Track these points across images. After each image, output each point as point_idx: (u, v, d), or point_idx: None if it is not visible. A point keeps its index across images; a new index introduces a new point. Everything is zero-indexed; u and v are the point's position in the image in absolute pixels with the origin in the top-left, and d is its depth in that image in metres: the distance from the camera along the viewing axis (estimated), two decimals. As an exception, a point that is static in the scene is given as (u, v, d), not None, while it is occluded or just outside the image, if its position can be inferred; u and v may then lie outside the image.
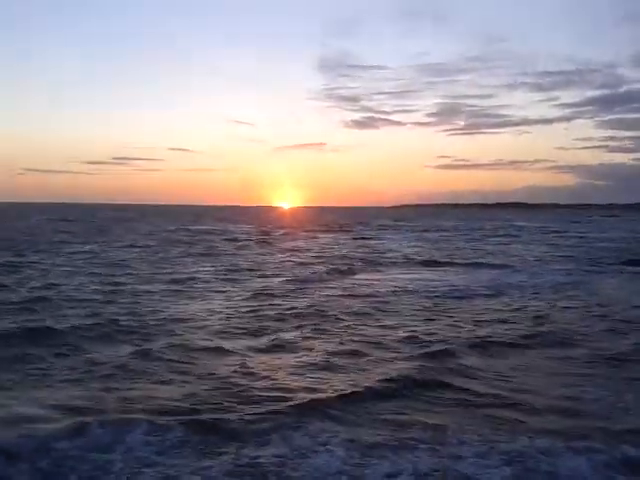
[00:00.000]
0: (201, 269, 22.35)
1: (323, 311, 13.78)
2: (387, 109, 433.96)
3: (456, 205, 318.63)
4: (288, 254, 30.26)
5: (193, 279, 19.23)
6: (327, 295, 16.47)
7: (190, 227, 60.79)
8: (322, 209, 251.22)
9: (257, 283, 18.88)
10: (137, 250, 30.39)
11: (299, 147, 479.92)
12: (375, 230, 60.22)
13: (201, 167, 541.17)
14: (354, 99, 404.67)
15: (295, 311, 13.66)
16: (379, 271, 23.03)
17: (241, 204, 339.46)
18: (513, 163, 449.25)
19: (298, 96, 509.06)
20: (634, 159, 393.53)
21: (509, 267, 24.63)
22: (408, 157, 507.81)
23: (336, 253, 31.05)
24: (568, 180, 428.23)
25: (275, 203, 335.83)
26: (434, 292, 17.29)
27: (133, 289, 16.70)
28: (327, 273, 21.58)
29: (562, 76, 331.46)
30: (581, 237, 47.94)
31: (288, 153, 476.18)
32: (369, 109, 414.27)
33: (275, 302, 15.06)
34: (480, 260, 27.64)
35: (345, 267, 23.40)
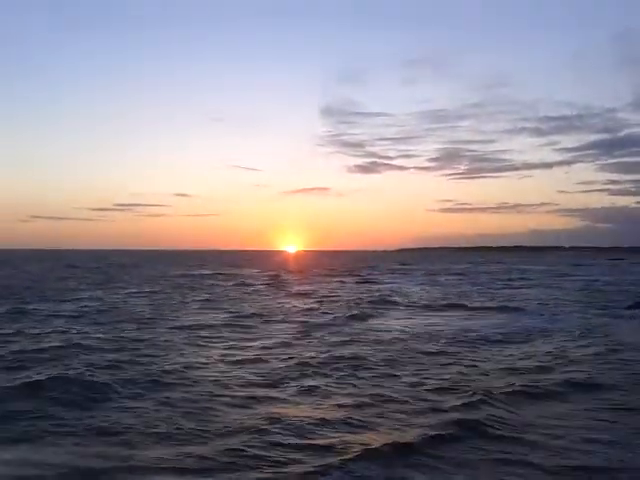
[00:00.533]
0: (211, 315, 21.98)
1: (341, 358, 13.31)
2: (390, 154, 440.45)
3: (460, 248, 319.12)
4: (298, 299, 29.84)
5: (202, 326, 18.80)
6: (343, 341, 15.99)
7: (197, 272, 60.60)
8: (327, 253, 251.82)
9: (269, 330, 18.45)
10: (143, 296, 30.06)
11: (304, 191, 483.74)
12: (383, 274, 59.80)
13: (207, 212, 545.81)
14: (358, 145, 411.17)
15: (311, 359, 13.13)
16: (392, 316, 22.59)
17: (248, 248, 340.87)
18: (516, 206, 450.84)
19: (303, 142, 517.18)
20: (637, 202, 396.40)
21: (521, 311, 24.24)
22: (411, 201, 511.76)
23: (347, 298, 30.58)
24: (572, 223, 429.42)
25: (282, 247, 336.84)
26: (452, 337, 16.87)
27: (140, 337, 16.31)
28: (345, 317, 21.25)
29: (562, 121, 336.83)
30: (588, 280, 47.60)
31: (293, 197, 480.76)
32: (372, 154, 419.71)
33: (289, 350, 14.62)
34: (491, 304, 27.21)
35: (358, 312, 23.00)
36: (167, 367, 12.00)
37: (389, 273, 61.80)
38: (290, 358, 13.24)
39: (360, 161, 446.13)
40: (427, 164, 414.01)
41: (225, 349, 14.68)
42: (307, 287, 39.67)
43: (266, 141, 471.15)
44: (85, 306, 24.44)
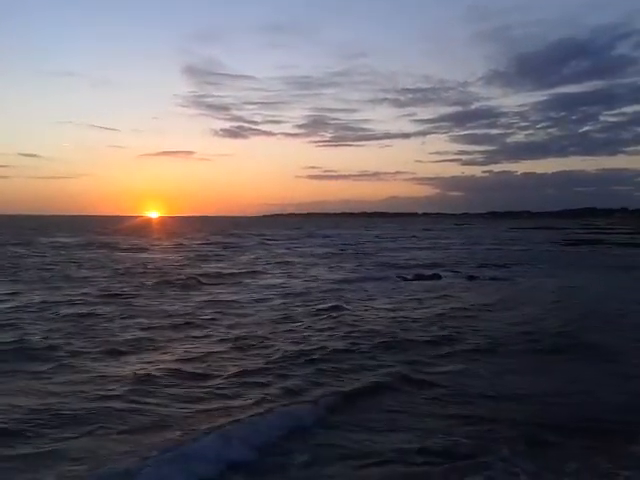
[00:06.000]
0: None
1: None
2: (257, 119, 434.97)
3: (326, 214, 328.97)
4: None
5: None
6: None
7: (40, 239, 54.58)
8: (190, 218, 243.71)
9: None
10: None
11: (166, 155, 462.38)
12: (250, 239, 58.86)
13: (57, 175, 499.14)
14: (223, 108, 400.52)
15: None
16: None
17: (103, 213, 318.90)
18: (376, 174, 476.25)
19: (163, 102, 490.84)
20: (484, 172, 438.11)
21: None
22: (279, 167, 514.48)
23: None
24: (426, 191, 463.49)
25: (142, 213, 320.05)
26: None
27: None
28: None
29: (419, 93, 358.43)
30: (445, 242, 51.52)
31: (154, 161, 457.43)
32: (239, 118, 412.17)
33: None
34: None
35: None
36: None
37: (253, 238, 60.98)
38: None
39: (226, 125, 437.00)
40: (294, 130, 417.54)
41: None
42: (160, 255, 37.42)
43: (125, 99, 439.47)
44: None
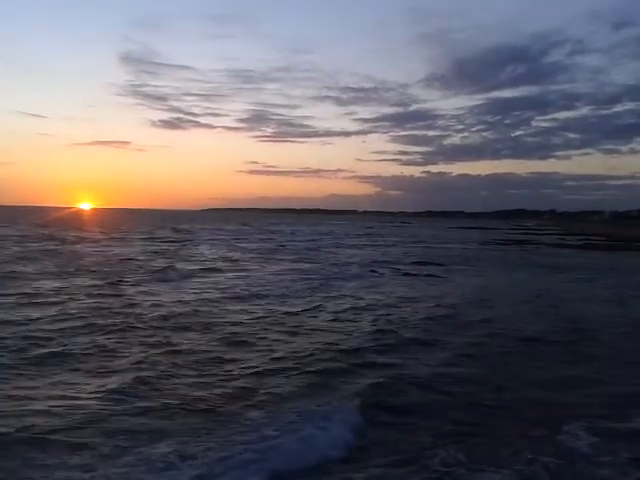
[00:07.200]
0: None
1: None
2: (196, 111, 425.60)
3: (267, 210, 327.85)
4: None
5: None
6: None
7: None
8: (125, 211, 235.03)
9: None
10: None
11: (99, 144, 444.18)
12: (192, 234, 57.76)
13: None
14: (161, 98, 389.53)
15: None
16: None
17: (31, 204, 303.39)
18: (318, 171, 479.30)
19: (99, 90, 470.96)
20: (422, 172, 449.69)
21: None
22: (219, 161, 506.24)
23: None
24: (367, 189, 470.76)
25: (71, 203, 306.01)
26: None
27: None
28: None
29: (361, 92, 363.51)
30: (393, 240, 52.66)
31: (87, 150, 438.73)
32: (177, 110, 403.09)
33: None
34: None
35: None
36: None
37: (196, 233, 59.93)
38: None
39: (165, 116, 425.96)
40: (235, 124, 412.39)
41: None
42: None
43: (56, 86, 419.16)
44: None
